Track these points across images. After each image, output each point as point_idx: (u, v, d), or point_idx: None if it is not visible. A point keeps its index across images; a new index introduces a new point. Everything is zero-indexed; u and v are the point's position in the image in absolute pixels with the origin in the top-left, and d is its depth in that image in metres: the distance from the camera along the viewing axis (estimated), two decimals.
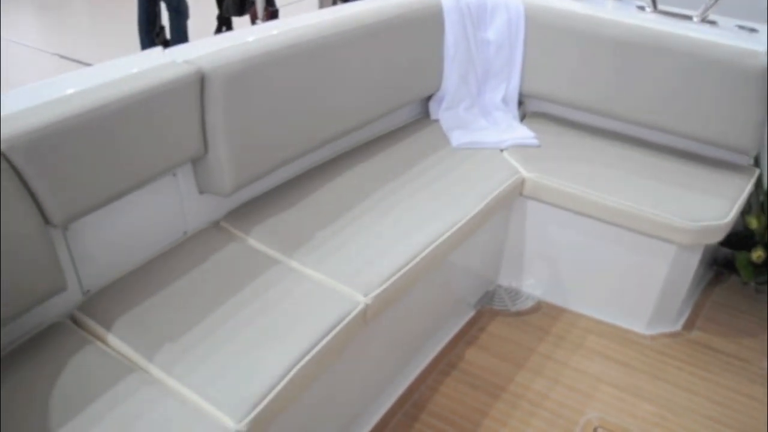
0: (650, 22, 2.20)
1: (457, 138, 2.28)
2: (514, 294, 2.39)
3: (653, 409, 1.94)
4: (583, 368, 2.08)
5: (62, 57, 5.02)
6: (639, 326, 2.24)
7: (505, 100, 2.48)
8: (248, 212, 1.83)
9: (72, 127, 1.32)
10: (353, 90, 2.02)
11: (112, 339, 1.42)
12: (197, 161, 1.69)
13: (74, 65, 4.83)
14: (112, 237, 1.57)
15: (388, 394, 1.93)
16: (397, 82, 2.20)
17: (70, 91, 1.40)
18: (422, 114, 2.54)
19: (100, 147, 1.39)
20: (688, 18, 2.29)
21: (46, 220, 1.34)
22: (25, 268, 1.29)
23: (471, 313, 2.30)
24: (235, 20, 4.69)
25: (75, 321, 1.49)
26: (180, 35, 4.28)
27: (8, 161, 1.24)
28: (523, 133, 2.33)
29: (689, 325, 2.28)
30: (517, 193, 2.17)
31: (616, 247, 2.13)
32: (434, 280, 1.98)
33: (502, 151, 2.28)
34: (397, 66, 2.18)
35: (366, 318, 1.57)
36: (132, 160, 1.46)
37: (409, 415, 1.89)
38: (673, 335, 2.24)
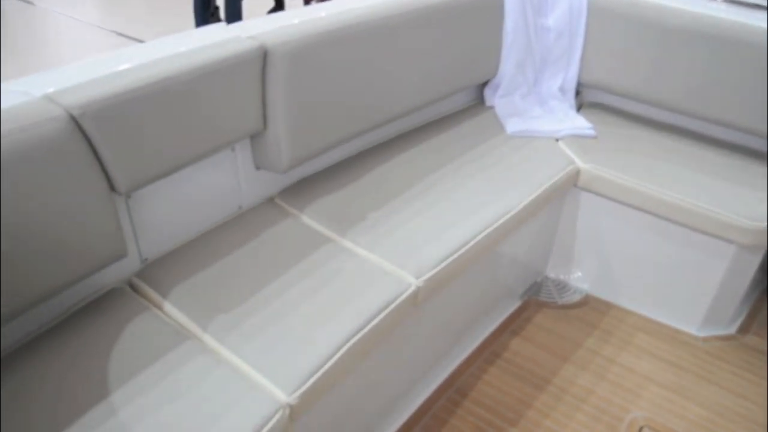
0: (720, 11, 2.12)
1: (512, 125, 2.25)
2: (562, 286, 2.36)
3: (703, 412, 1.89)
4: (631, 366, 2.04)
5: (119, 34, 5.13)
6: (691, 327, 2.19)
7: (562, 89, 2.43)
8: (302, 190, 1.85)
9: (140, 96, 1.34)
10: (410, 72, 2.01)
11: (169, 307, 1.45)
12: (255, 137, 1.70)
13: (130, 42, 4.93)
14: (171, 208, 1.60)
15: (432, 379, 1.93)
16: (453, 66, 2.18)
17: (137, 62, 1.42)
18: (477, 100, 2.51)
19: (166, 118, 1.41)
20: (762, 8, 2.20)
21: (112, 187, 1.37)
22: (89, 233, 1.33)
23: (517, 304, 2.27)
24: (288, 2, 4.72)
25: (133, 287, 1.53)
26: (234, 16, 4.32)
27: (79, 127, 1.27)
28: (579, 123, 2.29)
29: (744, 330, 2.21)
30: (571, 184, 2.13)
31: (671, 243, 2.08)
32: (483, 268, 1.96)
33: (557, 140, 2.24)
34: (454, 50, 2.15)
35: (417, 300, 1.56)
36: (194, 132, 1.48)
37: (452, 401, 1.89)
38: (726, 338, 2.17)
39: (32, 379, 1.25)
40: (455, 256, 1.65)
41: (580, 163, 2.11)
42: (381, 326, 1.45)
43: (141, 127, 1.37)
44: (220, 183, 1.70)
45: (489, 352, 2.06)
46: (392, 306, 1.48)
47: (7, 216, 1.18)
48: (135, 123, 1.35)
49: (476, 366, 2.01)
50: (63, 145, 1.24)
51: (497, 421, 1.83)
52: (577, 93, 2.51)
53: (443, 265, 1.61)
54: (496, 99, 2.39)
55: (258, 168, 1.77)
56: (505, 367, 2.01)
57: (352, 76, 1.80)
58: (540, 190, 1.95)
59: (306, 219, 1.75)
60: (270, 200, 1.83)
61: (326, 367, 1.32)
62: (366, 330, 1.41)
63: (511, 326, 2.17)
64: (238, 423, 1.18)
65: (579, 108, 2.50)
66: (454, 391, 1.92)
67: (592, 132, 2.26)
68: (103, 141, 1.31)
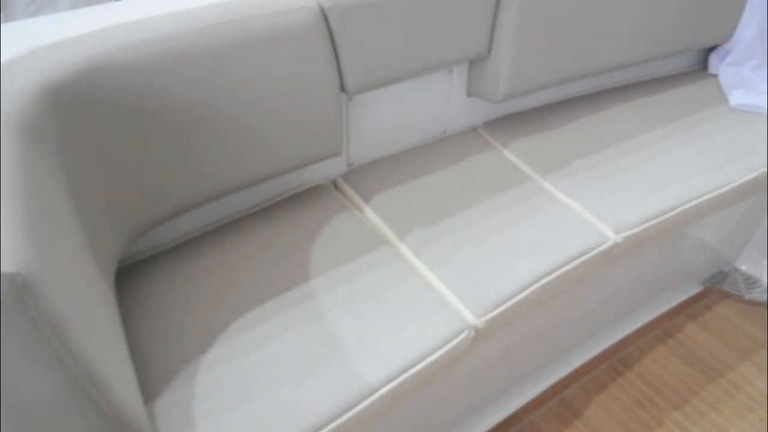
0: None
1: (737, 98, 2.05)
2: (752, 281, 2.17)
3: None
4: None
5: None
6: None
7: None
8: (506, 125, 1.81)
9: (384, 0, 1.36)
10: (637, 23, 1.87)
11: (369, 211, 1.50)
12: (475, 62, 1.68)
13: None
14: (383, 118, 1.64)
15: (598, 341, 1.87)
16: (684, 24, 2.00)
17: None
18: (699, 65, 2.31)
19: (403, 26, 1.42)
20: None
21: (341, 86, 1.42)
22: (315, 126, 1.39)
23: (698, 289, 2.12)
24: None
25: (336, 187, 1.59)
26: None
27: (326, 20, 1.31)
28: None
29: None
30: None
31: None
32: (673, 242, 1.84)
33: None
34: (688, 7, 1.97)
35: (611, 257, 1.50)
36: (423, 46, 1.49)
37: (614, 369, 1.82)
38: None
39: (239, 253, 1.35)
40: (656, 221, 1.55)
41: None
42: (572, 273, 1.41)
43: (379, 31, 1.39)
44: (431, 103, 1.71)
45: (661, 330, 1.96)
46: (587, 256, 1.43)
47: (248, 95, 1.26)
48: (375, 26, 1.38)
49: (645, 341, 1.92)
50: (308, 36, 1.29)
51: (659, 400, 1.75)
52: None
53: (643, 226, 1.53)
54: (722, 67, 2.18)
55: (469, 95, 1.75)
56: (676, 349, 1.90)
57: (581, 17, 1.71)
58: (756, 173, 1.76)
59: (508, 153, 1.72)
60: (473, 130, 1.82)
61: (516, 299, 1.31)
62: (558, 273, 1.38)
63: (688, 310, 2.04)
64: (426, 333, 1.21)
65: None
66: (618, 359, 1.85)
67: None
68: (344, 38, 1.35)
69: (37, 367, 0.70)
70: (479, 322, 1.26)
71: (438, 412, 1.50)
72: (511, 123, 1.83)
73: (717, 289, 2.13)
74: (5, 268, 0.65)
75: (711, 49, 2.25)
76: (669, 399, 1.76)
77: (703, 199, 1.64)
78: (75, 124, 1.05)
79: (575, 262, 1.40)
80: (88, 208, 1.06)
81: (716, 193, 1.67)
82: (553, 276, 1.37)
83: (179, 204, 1.28)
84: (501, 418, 1.69)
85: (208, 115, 1.23)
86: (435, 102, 1.72)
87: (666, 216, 1.57)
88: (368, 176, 1.59)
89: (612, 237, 1.49)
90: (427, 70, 1.54)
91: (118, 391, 0.81)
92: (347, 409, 1.07)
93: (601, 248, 1.45)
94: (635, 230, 1.51)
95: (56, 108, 1.00)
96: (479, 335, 1.28)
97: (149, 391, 1.07)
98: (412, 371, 1.15)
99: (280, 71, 1.28)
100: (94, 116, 1.09)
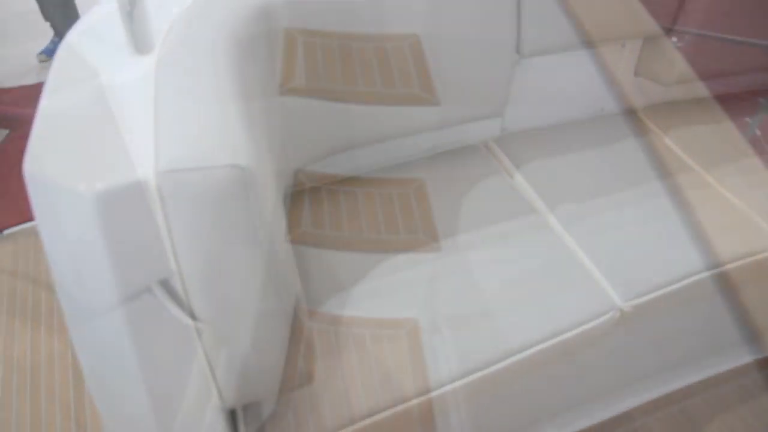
0: None
1: None
2: None
3: None
4: None
5: None
6: None
7: None
8: (667, 112, 1.72)
9: None
10: None
11: (519, 178, 1.47)
12: (650, 39, 1.59)
13: None
14: (544, 87, 1.59)
15: (732, 355, 1.73)
16: None
17: None
18: None
19: None
20: None
21: (517, 48, 1.39)
22: (486, 83, 1.38)
23: None
24: None
25: (488, 150, 1.57)
26: None
27: None
28: None
29: None
30: None
31: None
32: None
33: None
34: None
35: None
36: (603, 15, 1.43)
37: (746, 390, 1.69)
38: None
39: (406, 194, 1.36)
40: None
41: None
42: (730, 275, 1.32)
43: None
44: (594, 78, 1.64)
45: None
46: (750, 260, 1.33)
47: (434, 43, 1.26)
48: None
49: None
50: None
51: None
52: None
53: None
54: None
55: (636, 74, 1.67)
56: None
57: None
58: None
59: (668, 141, 1.63)
60: (632, 112, 1.73)
61: (667, 290, 1.25)
62: (716, 271, 1.29)
63: None
64: (572, 305, 1.18)
65: None
66: (752, 380, 1.72)
67: None
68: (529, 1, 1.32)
69: (245, 252, 0.74)
70: (626, 306, 1.21)
71: (555, 394, 1.46)
72: (671, 110, 1.73)
73: None
74: (239, 161, 0.69)
75: None
76: None
77: None
78: (277, 47, 1.09)
79: (737, 263, 1.31)
80: (274, 129, 1.09)
81: None
82: (709, 273, 1.28)
83: (351, 138, 1.31)
84: (614, 413, 1.62)
85: (394, 57, 1.24)
86: (599, 77, 1.64)
87: None
88: (521, 143, 1.55)
89: None
90: (600, 41, 1.48)
91: (295, 287, 0.84)
92: (484, 367, 1.06)
93: (765, 255, 1.35)
94: None
95: (265, 29, 1.04)
96: (623, 319, 1.22)
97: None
98: (557, 340, 1.12)
99: (467, 25, 1.27)
100: (293, 44, 1.12)
